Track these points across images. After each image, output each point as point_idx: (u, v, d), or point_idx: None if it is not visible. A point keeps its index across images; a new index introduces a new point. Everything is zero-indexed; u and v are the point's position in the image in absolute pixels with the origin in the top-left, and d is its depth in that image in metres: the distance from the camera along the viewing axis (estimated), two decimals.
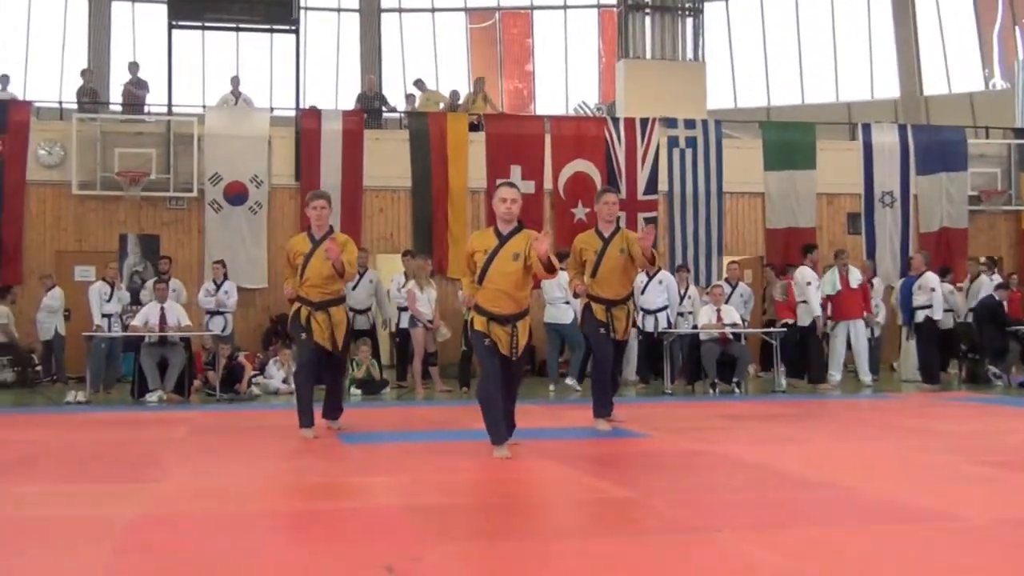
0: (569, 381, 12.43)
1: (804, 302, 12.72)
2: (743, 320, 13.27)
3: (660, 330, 12.67)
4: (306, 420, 7.46)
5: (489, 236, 6.51)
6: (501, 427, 6.31)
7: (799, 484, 5.32)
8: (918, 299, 12.67)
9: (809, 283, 12.62)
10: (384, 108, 17.37)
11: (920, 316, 12.59)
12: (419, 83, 18.11)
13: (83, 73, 17.48)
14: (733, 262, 14.87)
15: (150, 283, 13.67)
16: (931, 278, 12.63)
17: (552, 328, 12.57)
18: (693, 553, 3.77)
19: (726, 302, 12.93)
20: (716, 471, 5.81)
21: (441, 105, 17.32)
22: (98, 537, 4.05)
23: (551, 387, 12.43)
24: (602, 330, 7.81)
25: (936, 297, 12.50)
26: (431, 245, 15.47)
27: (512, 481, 5.53)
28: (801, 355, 12.80)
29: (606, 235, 7.86)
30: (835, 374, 12.81)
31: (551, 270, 6.22)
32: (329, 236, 7.55)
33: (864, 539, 3.91)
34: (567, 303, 12.35)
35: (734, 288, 13.90)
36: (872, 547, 3.80)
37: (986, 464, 5.90)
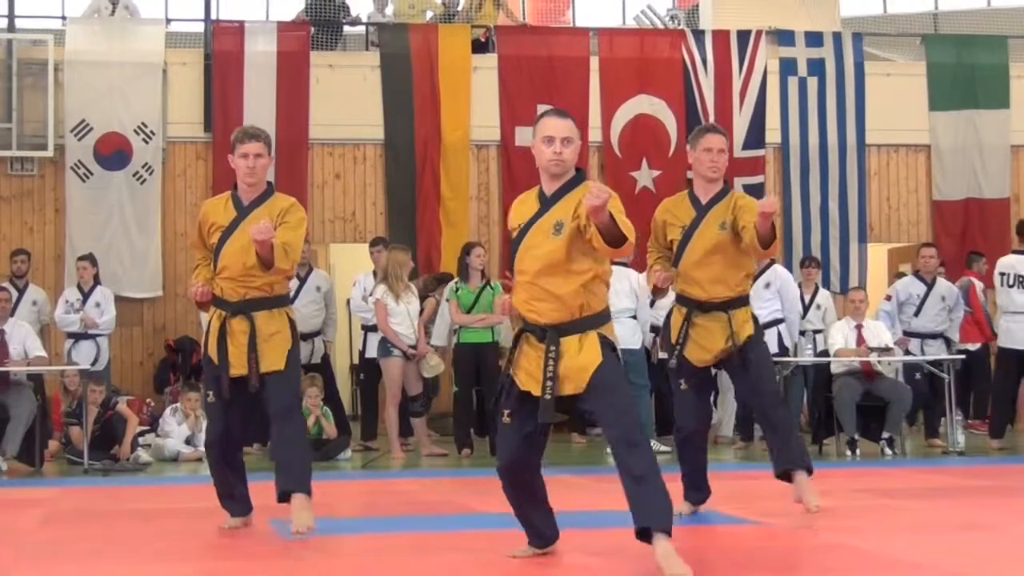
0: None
1: None
2: (948, 339, 13.10)
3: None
4: (230, 505, 7.50)
5: (530, 201, 6.38)
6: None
7: None
8: None
9: None
10: (343, 17, 17.36)
11: None
12: None
13: None
14: (929, 246, 14.27)
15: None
16: None
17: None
18: None
19: (917, 311, 12.84)
20: None
21: (430, 14, 17.34)
22: None
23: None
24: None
25: None
26: (414, 229, 15.51)
27: None
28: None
29: (704, 200, 7.69)
30: None
31: (618, 241, 5.70)
32: (265, 201, 7.30)
33: None
34: (634, 317, 12.22)
35: (931, 287, 13.18)
36: None
37: None
